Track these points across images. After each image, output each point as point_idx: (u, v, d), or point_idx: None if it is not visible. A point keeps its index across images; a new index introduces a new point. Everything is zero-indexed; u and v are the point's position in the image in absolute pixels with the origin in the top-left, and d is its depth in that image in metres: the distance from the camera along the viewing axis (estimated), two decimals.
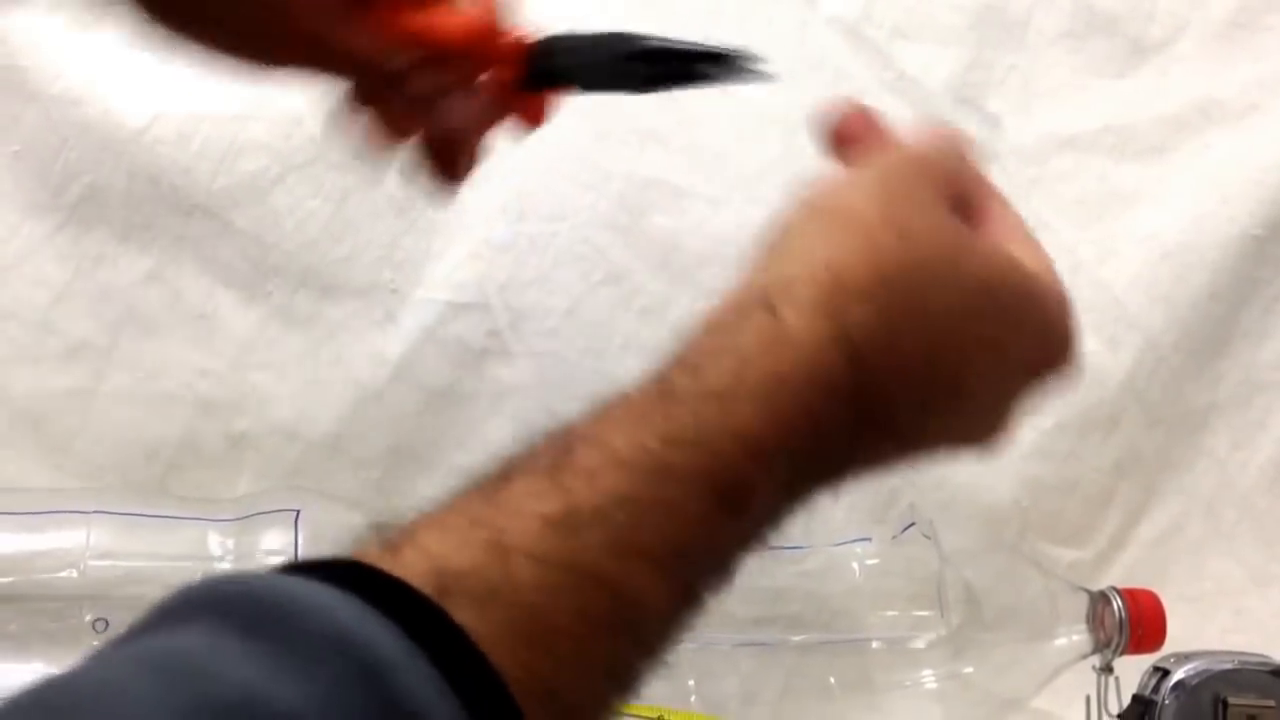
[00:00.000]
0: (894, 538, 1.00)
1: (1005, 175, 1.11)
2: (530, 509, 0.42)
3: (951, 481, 1.11)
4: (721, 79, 0.67)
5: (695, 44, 0.68)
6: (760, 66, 0.67)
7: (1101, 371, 1.12)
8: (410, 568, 0.40)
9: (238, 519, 0.93)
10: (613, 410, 0.46)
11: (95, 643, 0.88)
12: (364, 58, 0.63)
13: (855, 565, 0.99)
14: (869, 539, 1.00)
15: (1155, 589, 0.96)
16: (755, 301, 0.49)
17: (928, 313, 0.50)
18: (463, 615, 0.38)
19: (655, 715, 0.89)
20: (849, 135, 0.64)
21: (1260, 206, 1.14)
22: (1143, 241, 1.14)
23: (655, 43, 0.68)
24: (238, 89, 1.03)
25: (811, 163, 1.10)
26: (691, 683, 0.95)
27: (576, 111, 1.08)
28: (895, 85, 1.14)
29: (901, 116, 1.12)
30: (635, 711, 0.88)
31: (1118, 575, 1.14)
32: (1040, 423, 1.12)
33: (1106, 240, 1.14)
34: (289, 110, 1.04)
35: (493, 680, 0.38)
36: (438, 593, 0.39)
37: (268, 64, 0.64)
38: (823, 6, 1.13)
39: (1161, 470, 1.16)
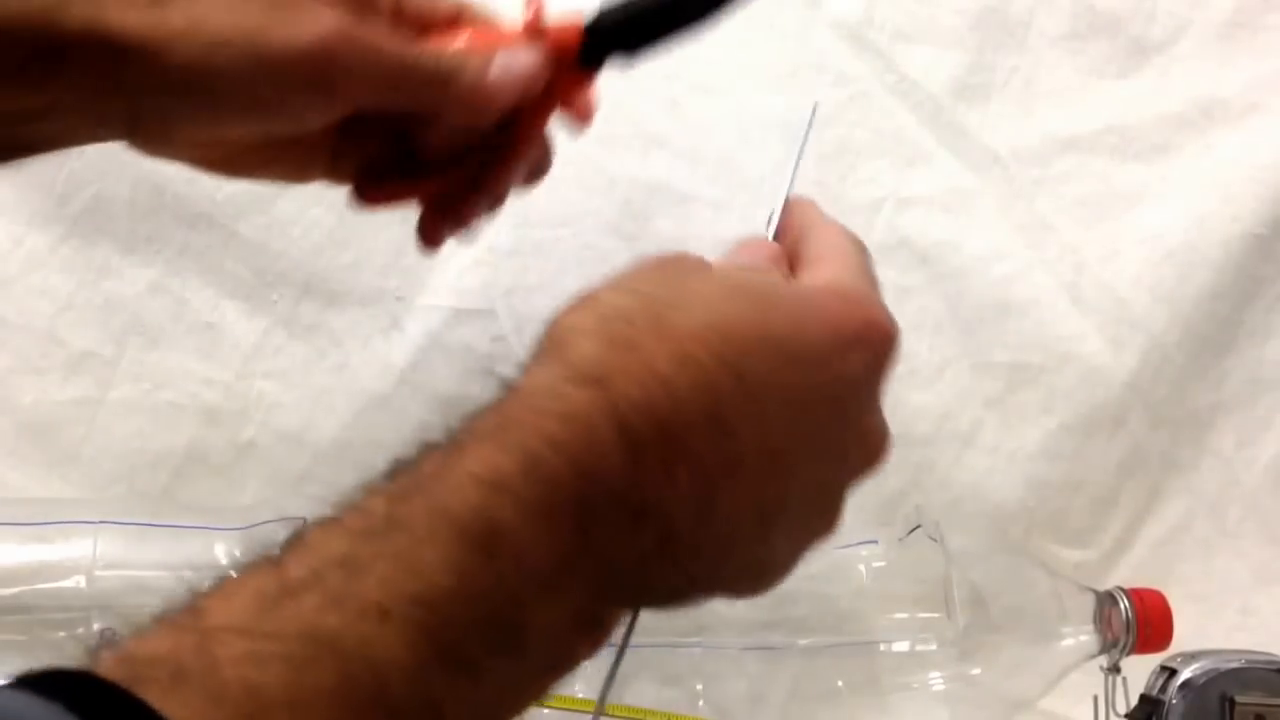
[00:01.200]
0: (900, 540, 1.00)
1: (1008, 177, 1.13)
2: (239, 588, 0.40)
3: (957, 483, 1.11)
4: None
5: None
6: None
7: (1106, 372, 1.12)
8: (102, 662, 0.37)
9: (245, 528, 0.93)
10: (345, 500, 0.43)
11: (104, 652, 0.88)
12: (429, 86, 0.62)
13: (862, 568, 0.99)
14: (875, 541, 1.00)
15: (1161, 588, 0.96)
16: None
17: (667, 329, 0.47)
18: (159, 701, 0.35)
19: (663, 719, 0.89)
20: None
21: (1263, 205, 1.14)
22: (1146, 241, 1.14)
23: None
24: None
25: (812, 166, 1.11)
26: (699, 687, 0.95)
27: None
28: (897, 87, 1.14)
29: (904, 123, 1.13)
30: (643, 716, 0.88)
31: (1124, 575, 1.14)
32: (1046, 423, 1.12)
33: (1109, 240, 1.14)
34: None
35: None
36: (128, 681, 0.35)
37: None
38: (825, 9, 1.14)
39: (1167, 470, 1.16)
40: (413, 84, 0.62)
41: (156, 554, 0.91)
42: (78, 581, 0.87)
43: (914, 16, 1.15)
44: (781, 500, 0.50)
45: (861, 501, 1.05)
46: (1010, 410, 1.12)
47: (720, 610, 0.99)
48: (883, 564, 0.99)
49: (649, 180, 1.08)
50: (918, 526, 1.00)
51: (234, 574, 0.41)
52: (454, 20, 0.67)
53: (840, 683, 0.95)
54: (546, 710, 0.87)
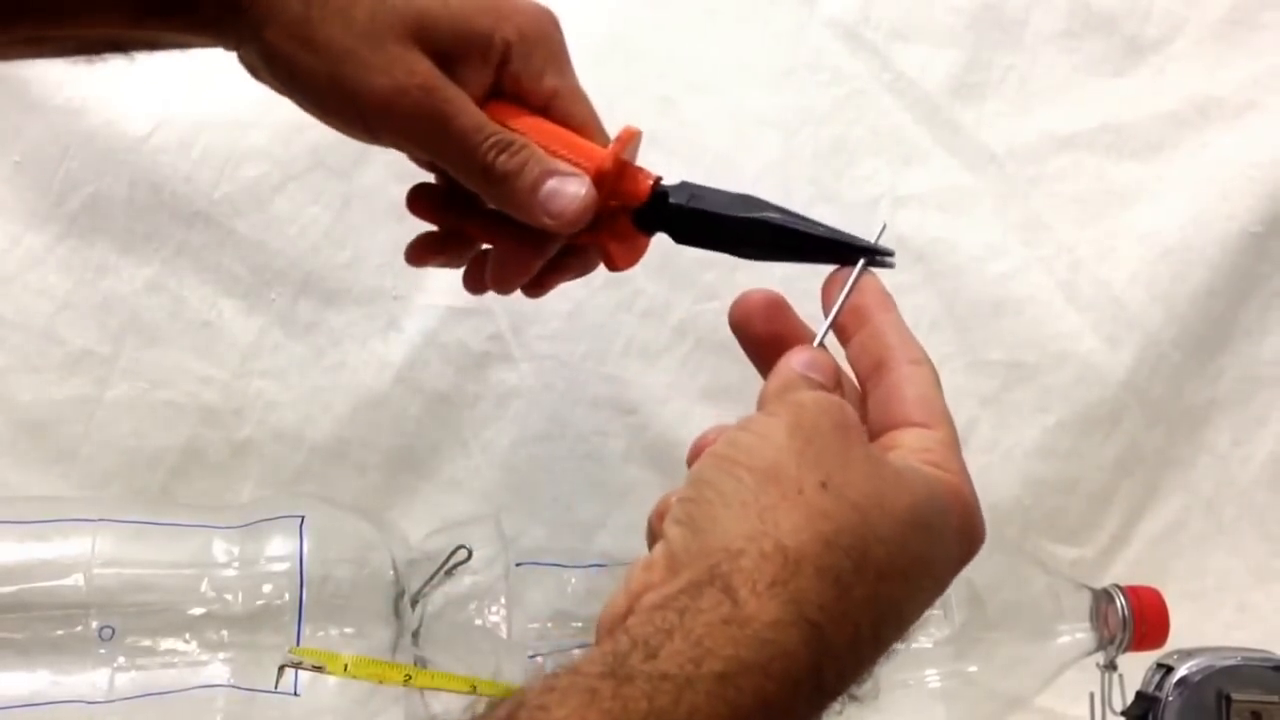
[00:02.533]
0: None
1: (1004, 175, 1.13)
2: None
3: None
4: (840, 263, 0.67)
5: (822, 229, 0.68)
6: (887, 259, 0.66)
7: (1102, 370, 1.12)
8: None
9: (243, 526, 0.93)
10: (561, 683, 0.44)
11: (102, 650, 0.88)
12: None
13: None
14: None
15: (1158, 586, 0.96)
16: (705, 578, 0.48)
17: (871, 569, 0.49)
18: None
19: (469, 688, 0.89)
20: (766, 334, 0.63)
21: (1258, 203, 1.14)
22: (1142, 239, 1.14)
23: (785, 219, 0.68)
24: (238, 96, 1.04)
25: (808, 164, 1.11)
26: None
27: None
28: (893, 86, 1.14)
29: (900, 122, 1.13)
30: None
31: (1120, 573, 1.14)
32: (1042, 421, 1.12)
33: (1105, 239, 1.14)
34: (289, 118, 1.04)
35: None
36: None
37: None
38: (821, 8, 1.14)
39: (1163, 467, 1.16)
40: (465, 166, 0.65)
41: (154, 552, 0.91)
42: (76, 579, 0.88)
43: (910, 15, 1.15)
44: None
45: None
46: (1006, 408, 1.12)
47: None
48: None
49: None
50: None
51: None
52: (549, 102, 0.68)
53: None
54: None
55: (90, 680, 0.87)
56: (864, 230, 1.11)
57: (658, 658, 0.45)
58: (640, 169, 0.69)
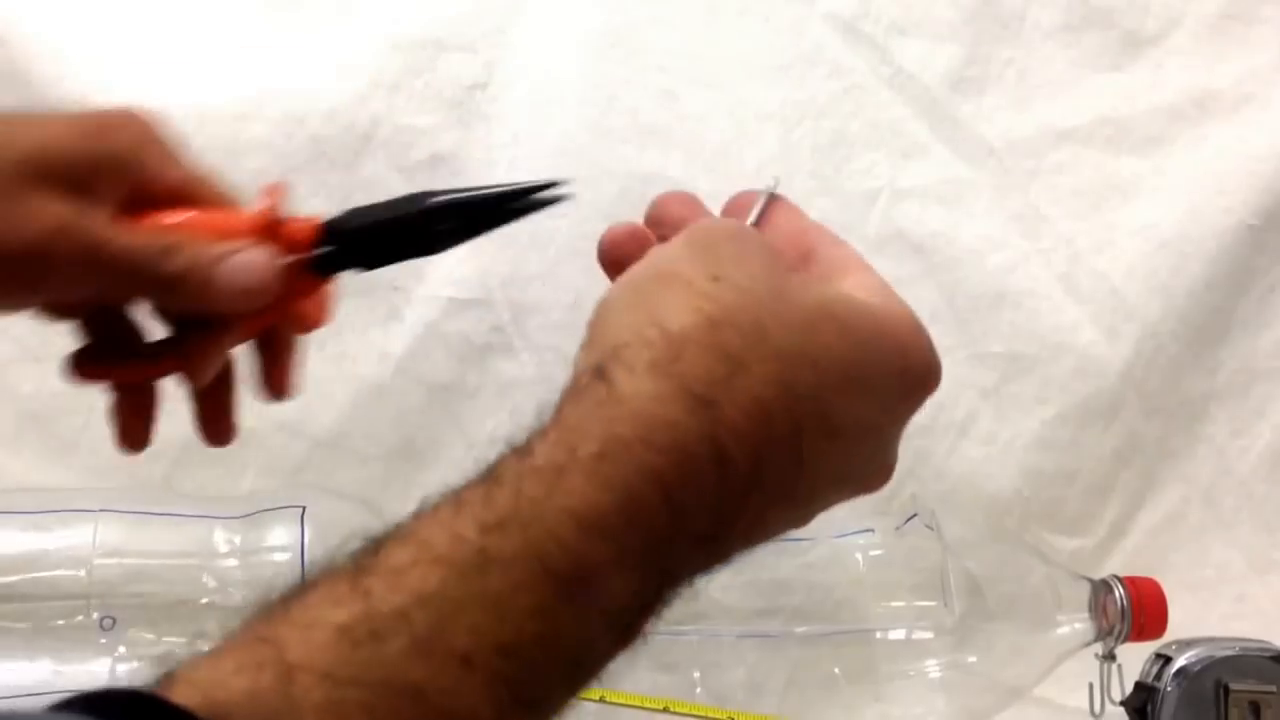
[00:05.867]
0: (897, 529, 1.01)
1: (1003, 169, 1.14)
2: (323, 619, 0.38)
3: (953, 472, 1.11)
4: (522, 212, 0.63)
5: (485, 189, 0.63)
6: (561, 190, 0.64)
7: (1100, 361, 1.12)
8: (173, 687, 0.36)
9: (244, 516, 0.93)
10: (435, 503, 0.42)
11: (103, 640, 0.88)
12: (140, 269, 0.58)
13: (858, 556, 0.99)
14: (872, 530, 1.00)
15: (1156, 577, 0.96)
16: (586, 375, 0.45)
17: (771, 348, 0.46)
18: None
19: (660, 707, 0.89)
20: (625, 254, 0.58)
21: (1256, 196, 1.14)
22: (1140, 232, 1.14)
23: (451, 197, 0.63)
24: (238, 89, 1.04)
25: (808, 158, 1.12)
26: (697, 675, 0.95)
27: (577, 107, 1.09)
28: (893, 80, 1.14)
29: (899, 115, 1.14)
30: (641, 704, 0.88)
31: (1119, 563, 1.15)
32: (1041, 413, 1.12)
33: (1104, 231, 1.15)
34: (291, 110, 1.04)
35: None
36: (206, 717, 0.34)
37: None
38: (820, 2, 1.14)
39: (1161, 459, 1.17)
40: (135, 285, 0.60)
41: (155, 542, 0.92)
42: (77, 570, 0.88)
43: (909, 9, 1.15)
44: (805, 517, 0.51)
45: None
46: (1006, 400, 1.12)
47: (718, 598, 0.99)
48: (879, 553, 0.99)
49: (645, 171, 1.08)
50: (914, 515, 1.00)
51: (308, 586, 0.40)
52: (183, 192, 0.63)
53: (837, 670, 0.95)
54: None
55: (91, 670, 0.87)
56: (863, 226, 1.12)
57: (532, 455, 0.42)
58: (298, 217, 0.65)
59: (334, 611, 0.38)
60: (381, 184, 1.04)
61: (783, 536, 0.51)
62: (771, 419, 0.45)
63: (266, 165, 1.03)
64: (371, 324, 1.05)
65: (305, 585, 0.40)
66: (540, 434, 0.43)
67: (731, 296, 0.47)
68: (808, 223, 0.61)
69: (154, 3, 1.06)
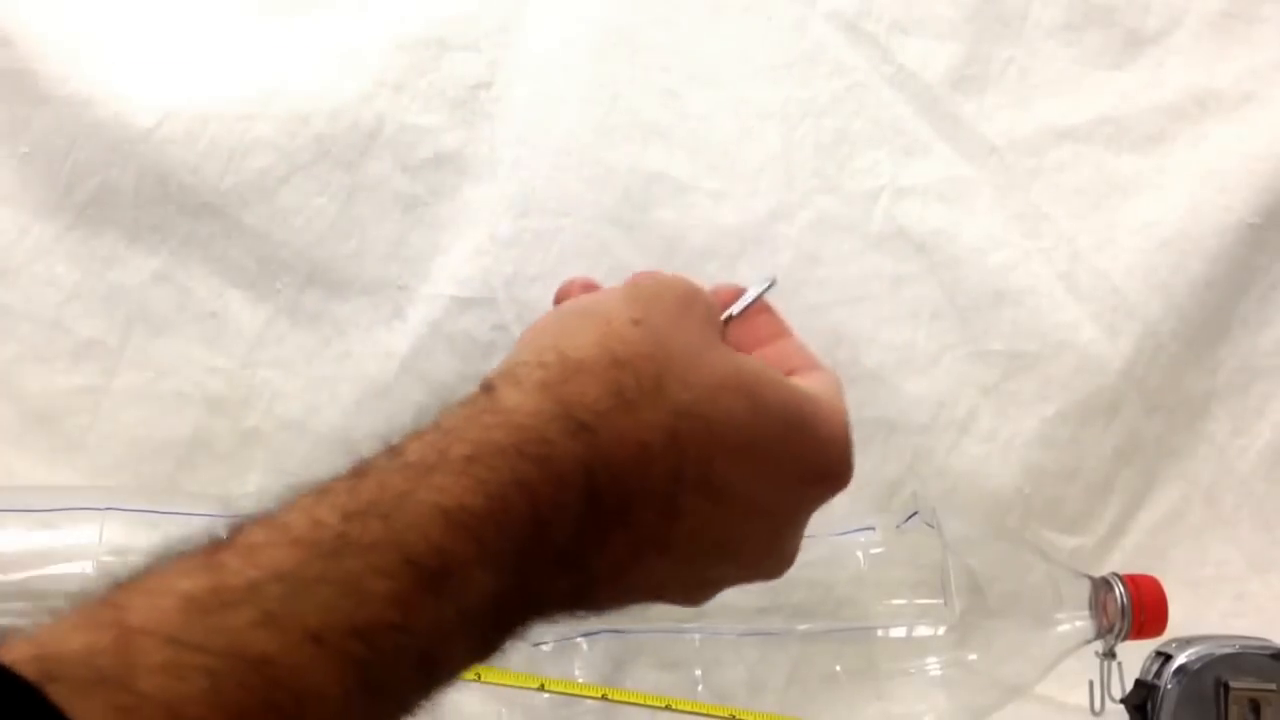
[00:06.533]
0: (898, 526, 1.01)
1: (1004, 167, 1.14)
2: (172, 587, 0.37)
3: (954, 470, 1.11)
4: None
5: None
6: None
7: (1101, 359, 1.13)
8: (13, 650, 0.34)
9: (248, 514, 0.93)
10: (299, 492, 0.42)
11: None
12: None
13: (859, 554, 0.99)
14: (873, 528, 1.01)
15: (1157, 574, 0.96)
16: (477, 388, 0.46)
17: (667, 399, 0.46)
18: (69, 703, 0.32)
19: (662, 705, 0.89)
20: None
21: (1256, 195, 1.14)
22: (1140, 230, 1.15)
23: None
24: (244, 87, 1.04)
25: (810, 156, 1.12)
26: (698, 672, 0.95)
27: (580, 107, 1.09)
28: (894, 79, 1.15)
29: (901, 114, 1.14)
30: (643, 701, 0.89)
31: (1119, 561, 1.15)
32: (1042, 411, 1.13)
33: (1105, 230, 1.15)
34: (295, 109, 1.05)
35: None
36: (40, 677, 0.33)
37: None
38: (821, 2, 1.14)
39: (1162, 457, 1.17)
40: None
41: (161, 541, 0.92)
42: (83, 568, 0.88)
43: (910, 7, 1.15)
44: (688, 583, 0.52)
45: (859, 488, 1.06)
46: (1006, 398, 1.13)
47: (720, 597, 0.99)
48: (880, 550, 1.00)
49: (648, 170, 1.09)
50: (915, 513, 1.00)
51: (161, 562, 0.39)
52: None
53: (838, 668, 0.96)
54: (547, 695, 0.88)
55: None
56: (865, 224, 1.12)
57: (404, 453, 0.43)
58: None
59: (184, 581, 0.37)
60: (386, 184, 1.05)
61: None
62: (650, 462, 0.45)
63: (271, 164, 1.04)
64: (376, 323, 1.06)
65: (158, 558, 0.39)
66: (415, 435, 0.44)
67: (642, 342, 0.47)
68: (780, 321, 0.61)
69: (158, 3, 1.07)
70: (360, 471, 0.42)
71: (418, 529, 0.40)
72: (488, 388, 0.46)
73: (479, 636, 0.43)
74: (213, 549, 0.39)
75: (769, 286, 0.62)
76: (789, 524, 0.53)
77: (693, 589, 0.53)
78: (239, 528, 0.40)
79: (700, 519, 0.48)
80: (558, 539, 0.44)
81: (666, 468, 0.46)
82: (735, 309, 0.60)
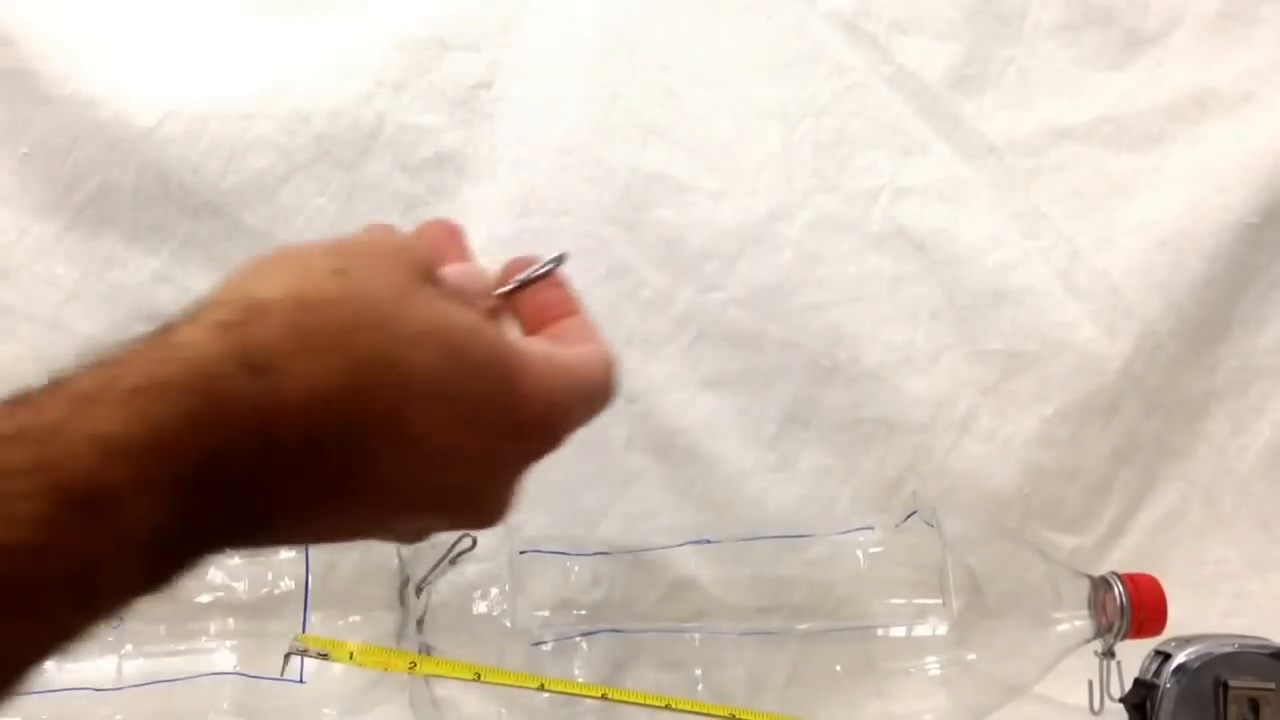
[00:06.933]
0: (897, 526, 1.01)
1: (1003, 167, 1.14)
2: None
3: (954, 469, 1.11)
4: None
5: None
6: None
7: (1100, 359, 1.13)
8: None
9: None
10: None
11: (109, 638, 0.89)
12: None
13: (859, 553, 1.00)
14: (872, 527, 1.01)
15: (1156, 574, 0.96)
16: (156, 327, 0.45)
17: (357, 348, 0.46)
18: None
19: (662, 705, 0.89)
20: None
21: (1255, 194, 1.15)
22: (1139, 230, 1.15)
23: None
24: (244, 87, 1.04)
25: (810, 156, 1.12)
26: (698, 672, 0.96)
27: (580, 106, 1.09)
28: (894, 78, 1.15)
29: (900, 114, 1.14)
30: (643, 701, 0.89)
31: (1119, 561, 1.15)
32: (1041, 410, 1.13)
33: (1104, 229, 1.15)
34: (295, 109, 1.05)
35: None
36: None
37: None
38: (821, 1, 1.14)
39: (1161, 456, 1.17)
40: None
41: None
42: None
43: (910, 7, 1.15)
44: (390, 527, 0.52)
45: (859, 488, 1.06)
46: (1006, 397, 1.13)
47: (720, 596, 0.99)
48: (880, 550, 1.00)
49: (648, 170, 1.09)
50: (914, 512, 1.01)
51: None
52: None
53: (838, 667, 0.96)
54: (547, 695, 0.88)
55: (98, 668, 0.87)
56: (864, 223, 1.12)
57: (67, 385, 0.42)
58: None
59: None
60: (386, 184, 1.05)
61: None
62: (332, 405, 0.45)
63: (271, 164, 1.04)
64: None
65: None
66: (83, 369, 0.43)
67: (336, 289, 0.47)
68: (570, 298, 0.62)
69: (159, 3, 1.07)
70: (20, 400, 0.41)
71: (70, 455, 0.39)
72: (165, 327, 0.44)
73: (147, 564, 0.42)
74: None
75: (556, 262, 0.62)
76: (492, 477, 0.53)
77: (400, 534, 0.53)
78: None
79: (393, 467, 0.47)
80: (229, 475, 0.43)
81: (351, 410, 0.45)
82: (511, 284, 0.60)
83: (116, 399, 0.41)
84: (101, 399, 0.41)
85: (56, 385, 0.42)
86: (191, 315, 0.45)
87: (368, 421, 0.46)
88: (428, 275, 0.51)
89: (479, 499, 0.53)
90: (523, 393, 0.51)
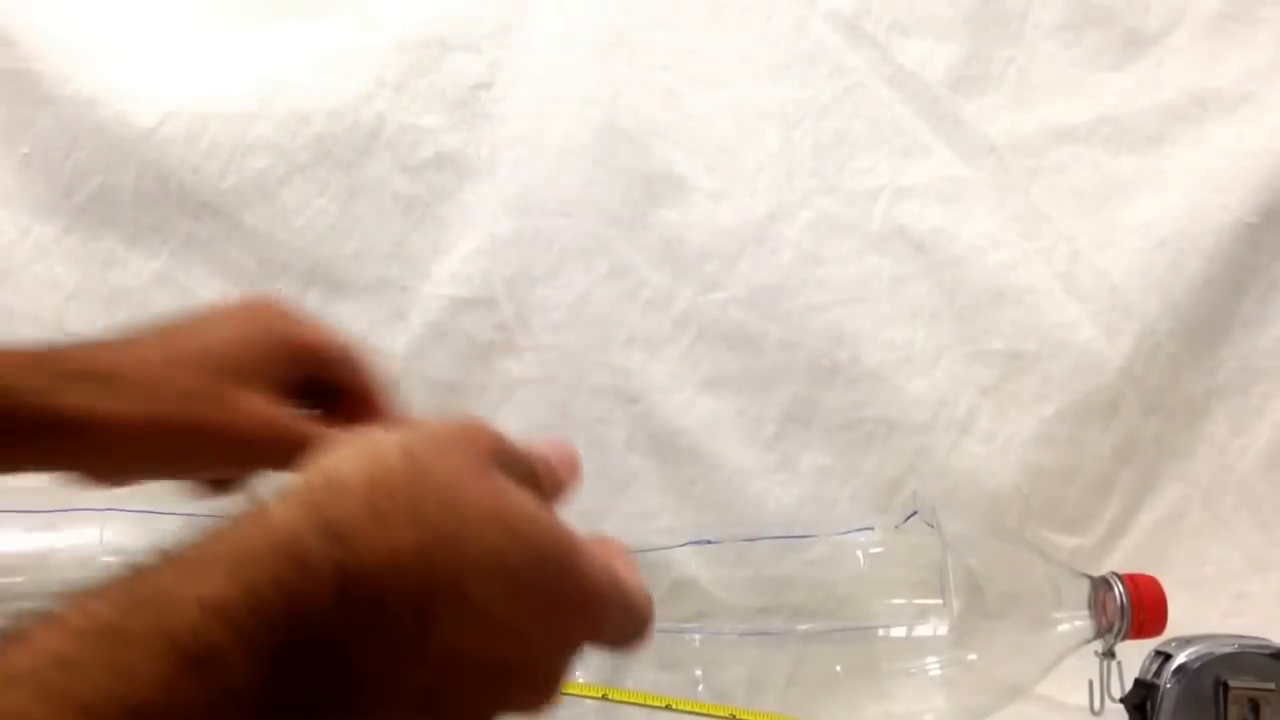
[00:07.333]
0: (897, 526, 1.01)
1: (1003, 167, 1.14)
2: None
3: (954, 469, 1.11)
4: None
5: None
6: None
7: (1100, 359, 1.13)
8: None
9: None
10: (80, 592, 0.44)
11: None
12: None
13: (859, 554, 0.99)
14: (872, 527, 1.01)
15: (1156, 574, 0.96)
16: (251, 506, 0.49)
17: (420, 521, 0.49)
18: None
19: (663, 705, 0.89)
20: None
21: (1254, 194, 1.15)
22: (1139, 230, 1.15)
23: None
24: (244, 88, 1.04)
25: (810, 157, 1.12)
26: (699, 673, 0.95)
27: (580, 107, 1.10)
28: (894, 79, 1.15)
29: (900, 114, 1.14)
30: (643, 701, 0.89)
31: (1119, 561, 1.15)
32: (1041, 410, 1.13)
33: (1104, 230, 1.15)
34: (295, 109, 1.05)
35: None
36: None
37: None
38: (821, 2, 1.14)
39: (1161, 457, 1.17)
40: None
41: (162, 541, 0.92)
42: (84, 568, 0.88)
43: (910, 8, 1.15)
44: (458, 707, 0.53)
45: (859, 488, 1.06)
46: (1006, 397, 1.13)
47: (720, 597, 0.99)
48: (880, 550, 1.00)
49: (649, 170, 1.09)
50: (914, 513, 1.00)
51: None
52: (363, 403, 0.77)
53: (838, 668, 0.96)
54: None
55: None
56: (865, 224, 1.12)
57: (171, 558, 0.45)
58: None
59: None
60: (386, 184, 1.05)
61: None
62: (401, 569, 0.48)
63: (271, 164, 1.04)
64: (376, 323, 1.06)
65: None
66: (190, 543, 0.46)
67: (404, 470, 0.50)
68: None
69: (159, 4, 1.07)
70: (133, 573, 0.45)
71: (182, 619, 0.43)
72: (259, 505, 0.48)
73: (254, 709, 0.45)
74: (2, 645, 0.41)
75: None
76: (548, 654, 0.55)
77: (465, 712, 0.54)
78: (20, 627, 0.43)
79: (457, 635, 0.50)
80: (313, 629, 0.46)
81: (418, 576, 0.48)
82: None
83: (217, 567, 0.44)
84: (205, 567, 0.44)
85: (163, 557, 0.45)
86: (279, 493, 0.49)
87: (433, 589, 0.49)
88: (494, 458, 0.54)
89: (537, 676, 0.55)
90: (581, 573, 0.54)
